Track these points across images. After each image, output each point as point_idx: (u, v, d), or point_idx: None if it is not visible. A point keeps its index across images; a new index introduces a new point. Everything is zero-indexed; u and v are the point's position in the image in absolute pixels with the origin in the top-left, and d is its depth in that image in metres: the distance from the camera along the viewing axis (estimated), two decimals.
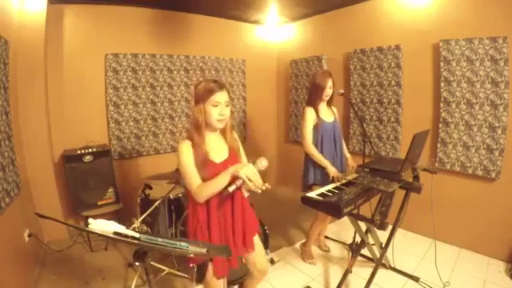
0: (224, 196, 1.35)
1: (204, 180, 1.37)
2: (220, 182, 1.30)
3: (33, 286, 2.18)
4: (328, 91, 2.24)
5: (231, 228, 1.48)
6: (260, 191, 1.28)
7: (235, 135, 1.59)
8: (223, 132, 1.52)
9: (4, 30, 2.10)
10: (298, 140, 4.16)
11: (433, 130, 2.70)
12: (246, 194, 1.53)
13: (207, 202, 1.40)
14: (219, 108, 1.38)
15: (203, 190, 1.34)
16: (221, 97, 1.38)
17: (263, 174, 1.29)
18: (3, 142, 1.98)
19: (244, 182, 1.25)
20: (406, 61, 2.88)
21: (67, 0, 2.83)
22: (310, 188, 2.32)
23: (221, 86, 1.39)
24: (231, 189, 1.26)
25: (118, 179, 3.08)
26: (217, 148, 1.47)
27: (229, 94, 1.44)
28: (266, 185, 1.28)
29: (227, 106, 1.42)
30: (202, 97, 1.38)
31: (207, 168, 1.37)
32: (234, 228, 1.48)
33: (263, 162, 1.32)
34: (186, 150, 1.38)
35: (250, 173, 1.25)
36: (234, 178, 1.28)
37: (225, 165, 1.39)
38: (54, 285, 2.23)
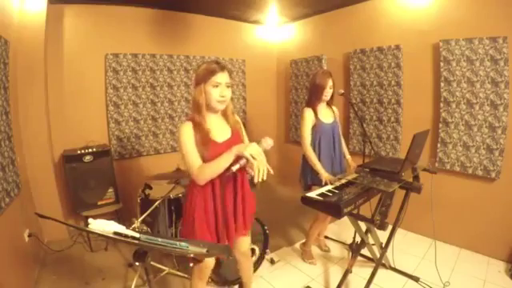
0: (226, 177, 1.32)
1: (206, 161, 1.35)
2: (223, 161, 1.28)
3: (33, 286, 2.18)
4: (328, 91, 2.23)
5: (232, 210, 1.48)
6: (262, 177, 1.22)
7: (237, 117, 1.58)
8: (224, 114, 1.51)
9: (4, 30, 2.10)
10: (298, 140, 4.16)
11: (433, 130, 2.70)
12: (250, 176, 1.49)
13: (211, 184, 1.40)
14: (220, 89, 1.38)
15: (205, 170, 1.33)
16: (222, 77, 1.38)
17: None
18: (3, 142, 1.98)
19: (248, 160, 1.22)
20: (406, 61, 2.88)
21: (67, 0, 2.83)
22: (309, 188, 2.32)
23: (222, 67, 1.39)
24: (235, 168, 1.23)
25: (117, 179, 3.07)
26: (219, 129, 1.46)
27: (230, 76, 1.43)
28: (270, 168, 1.25)
29: (228, 87, 1.42)
30: (202, 78, 1.38)
31: (209, 148, 1.36)
32: (236, 210, 1.49)
33: (268, 141, 1.30)
34: (187, 131, 1.37)
35: (255, 151, 1.23)
36: (238, 158, 1.25)
37: (227, 144, 1.38)
38: (54, 285, 2.23)
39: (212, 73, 1.36)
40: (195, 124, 1.38)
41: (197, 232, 1.42)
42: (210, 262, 1.58)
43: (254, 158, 1.22)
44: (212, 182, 1.39)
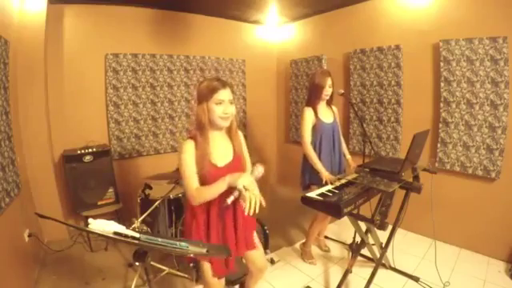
0: (224, 208, 1.30)
1: (204, 182, 1.34)
2: (216, 189, 1.28)
3: (33, 286, 2.18)
4: (328, 90, 2.23)
5: (233, 228, 1.46)
6: (254, 210, 1.20)
7: (240, 134, 1.56)
8: (228, 131, 1.49)
9: (4, 30, 2.10)
10: (298, 140, 4.16)
11: (433, 130, 2.70)
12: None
13: (207, 206, 1.38)
14: (223, 106, 1.36)
15: (200, 194, 1.32)
16: (224, 95, 1.36)
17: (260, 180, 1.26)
18: (3, 142, 1.98)
19: (240, 192, 1.21)
20: (406, 61, 2.88)
21: (67, 0, 2.83)
22: (308, 187, 2.32)
23: (224, 84, 1.37)
24: (229, 200, 1.22)
25: (117, 179, 3.08)
26: (221, 149, 1.44)
27: (232, 92, 1.41)
28: (262, 200, 1.23)
29: (231, 103, 1.40)
30: (205, 96, 1.36)
31: (209, 171, 1.35)
32: (236, 227, 1.46)
33: (259, 169, 1.31)
34: (188, 150, 1.35)
35: (247, 182, 1.21)
36: (231, 189, 1.24)
37: (228, 169, 1.36)
38: (54, 285, 2.23)
39: (214, 90, 1.34)
40: (197, 143, 1.36)
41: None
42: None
43: (246, 189, 1.20)
44: (209, 207, 1.38)
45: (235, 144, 1.48)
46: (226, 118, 1.39)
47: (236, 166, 1.41)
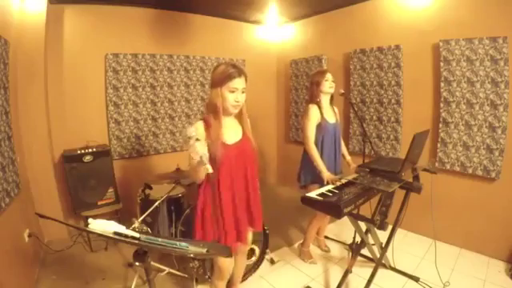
0: (232, 176, 1.42)
1: (218, 161, 1.39)
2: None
3: (33, 286, 2.18)
4: (329, 83, 2.21)
5: (246, 205, 1.54)
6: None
7: (248, 123, 1.59)
8: (239, 116, 1.55)
9: (4, 30, 2.09)
10: (298, 140, 4.17)
11: (433, 130, 2.70)
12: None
13: (218, 184, 1.44)
14: (235, 94, 1.41)
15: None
16: (238, 83, 1.40)
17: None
18: (3, 142, 1.98)
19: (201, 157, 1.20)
20: (405, 61, 2.88)
21: (67, 0, 2.83)
22: (306, 186, 2.31)
23: (240, 73, 1.41)
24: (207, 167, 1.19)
25: (117, 179, 3.07)
26: (231, 130, 1.51)
27: (246, 80, 1.46)
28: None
29: (243, 92, 1.45)
30: (220, 81, 1.40)
31: (220, 149, 1.41)
32: (250, 204, 1.54)
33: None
34: (198, 129, 1.41)
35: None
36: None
37: (237, 146, 1.45)
38: (54, 285, 2.23)
39: (229, 78, 1.38)
40: (208, 125, 1.43)
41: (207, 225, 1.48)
42: (229, 264, 1.62)
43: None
44: (219, 183, 1.45)
45: (245, 126, 1.55)
46: (236, 106, 1.44)
47: (244, 145, 1.50)
